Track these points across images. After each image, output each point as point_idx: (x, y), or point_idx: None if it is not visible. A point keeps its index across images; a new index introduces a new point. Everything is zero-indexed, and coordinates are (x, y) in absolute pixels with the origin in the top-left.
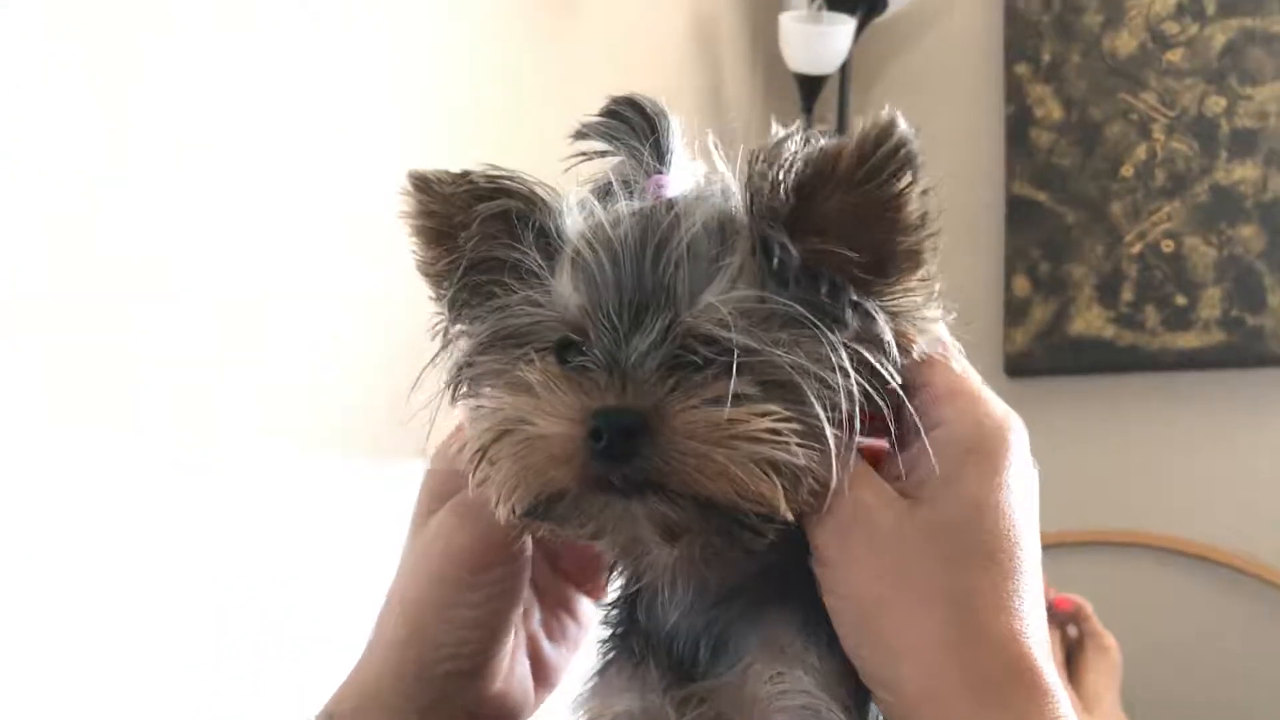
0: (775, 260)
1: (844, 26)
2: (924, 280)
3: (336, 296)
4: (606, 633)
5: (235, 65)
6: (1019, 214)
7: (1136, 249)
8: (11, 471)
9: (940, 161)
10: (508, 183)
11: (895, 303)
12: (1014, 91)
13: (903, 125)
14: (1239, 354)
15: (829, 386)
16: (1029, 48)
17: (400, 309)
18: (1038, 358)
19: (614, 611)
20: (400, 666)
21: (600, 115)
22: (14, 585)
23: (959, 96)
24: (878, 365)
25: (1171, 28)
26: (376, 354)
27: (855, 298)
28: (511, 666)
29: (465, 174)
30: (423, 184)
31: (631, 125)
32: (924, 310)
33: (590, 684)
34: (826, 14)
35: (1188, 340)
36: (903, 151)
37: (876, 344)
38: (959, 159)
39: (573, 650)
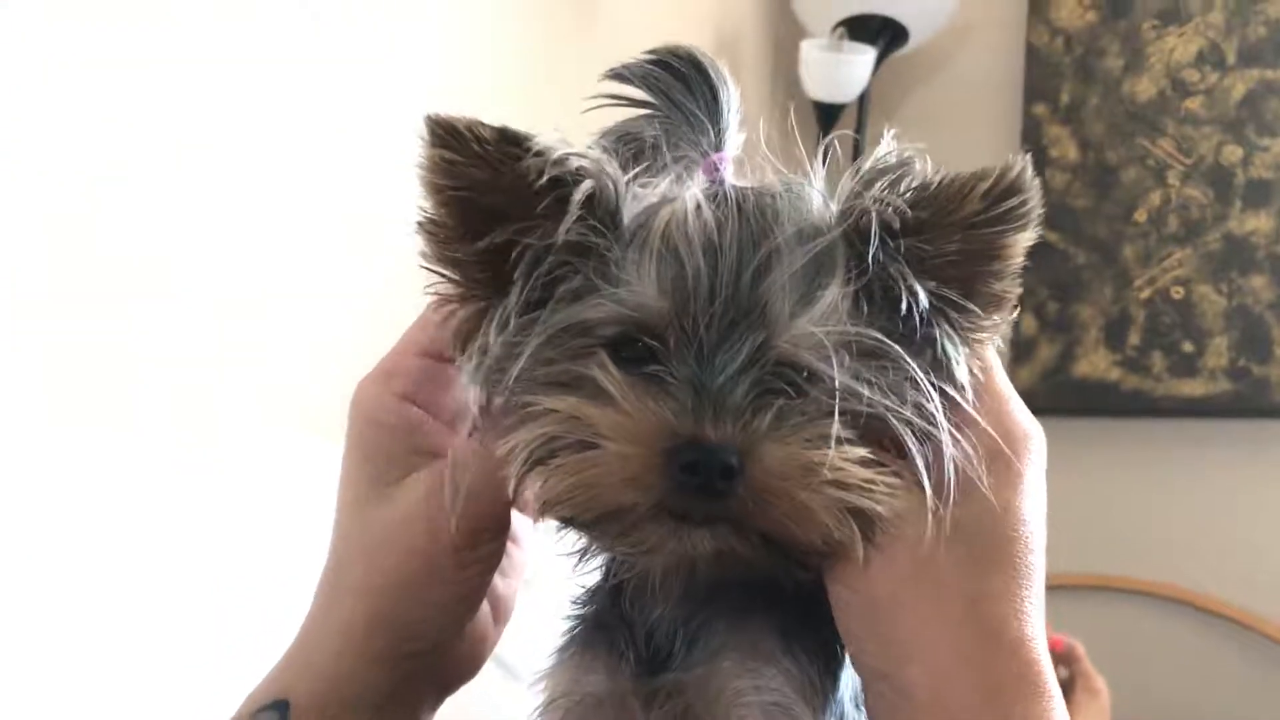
0: (875, 290)
1: (864, 57)
2: (998, 324)
3: (336, 296)
4: (580, 611)
5: (236, 64)
6: (1029, 253)
7: (1146, 294)
8: (11, 471)
9: None
10: (588, 164)
11: (971, 336)
12: (1031, 131)
13: (1032, 177)
14: (1244, 404)
15: (916, 427)
16: (1048, 88)
17: (400, 308)
18: (1041, 397)
19: (592, 594)
20: (364, 652)
21: (648, 61)
22: (14, 585)
23: (975, 133)
24: (956, 399)
25: (1191, 76)
26: (376, 353)
27: (940, 332)
28: (474, 620)
29: (518, 140)
30: (450, 137)
31: (687, 83)
32: (988, 346)
33: (559, 660)
34: (848, 44)
35: (1193, 388)
36: (1029, 205)
37: (949, 377)
38: None
39: (519, 577)
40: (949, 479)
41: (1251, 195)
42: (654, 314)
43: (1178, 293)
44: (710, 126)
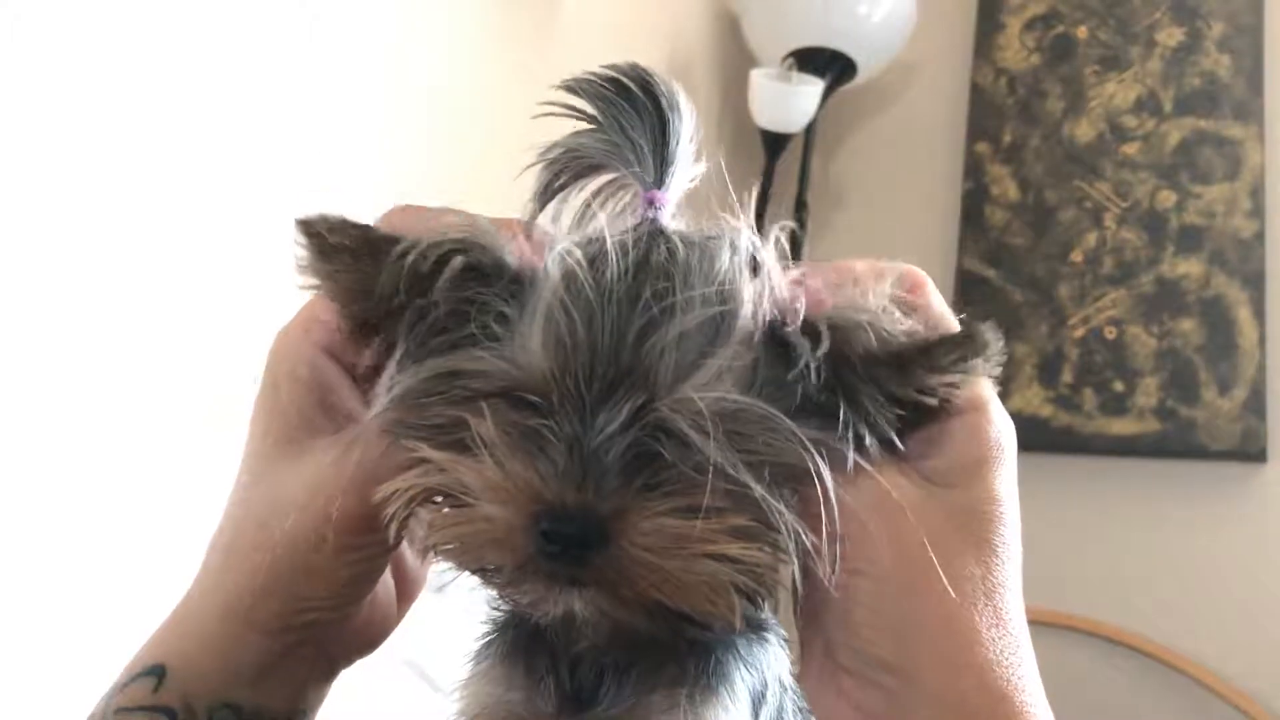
0: (775, 355)
1: (813, 88)
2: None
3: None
4: (499, 620)
5: (230, 69)
6: (967, 289)
7: (1080, 332)
8: (11, 471)
9: (894, 231)
10: (451, 244)
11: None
12: (972, 169)
13: (997, 343)
14: (1171, 444)
15: (789, 506)
16: (991, 128)
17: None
18: None
19: (513, 613)
20: (249, 620)
21: (601, 78)
22: (14, 585)
23: (919, 168)
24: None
25: (1130, 121)
26: None
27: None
28: (375, 595)
29: (384, 245)
30: (321, 244)
31: (635, 107)
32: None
33: (477, 670)
34: (797, 74)
35: (1123, 426)
36: (973, 362)
37: (858, 446)
38: (913, 230)
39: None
40: (833, 551)
41: (1184, 240)
42: (537, 373)
43: (1110, 332)
44: (652, 158)
